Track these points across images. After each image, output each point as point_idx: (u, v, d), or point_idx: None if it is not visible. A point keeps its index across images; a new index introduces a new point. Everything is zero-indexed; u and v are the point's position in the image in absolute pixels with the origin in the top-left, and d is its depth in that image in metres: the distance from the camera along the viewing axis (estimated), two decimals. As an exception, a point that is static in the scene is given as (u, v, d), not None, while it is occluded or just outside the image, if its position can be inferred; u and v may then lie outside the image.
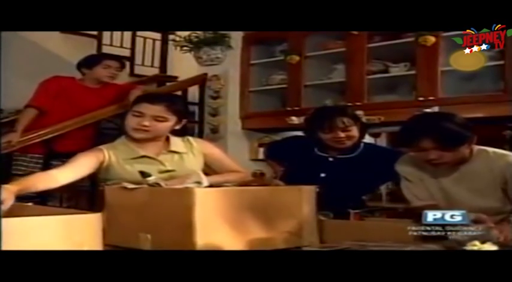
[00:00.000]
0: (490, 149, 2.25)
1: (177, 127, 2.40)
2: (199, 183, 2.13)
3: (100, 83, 3.88)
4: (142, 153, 2.33)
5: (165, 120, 2.31)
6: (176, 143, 2.41)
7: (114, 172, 2.31)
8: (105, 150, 2.33)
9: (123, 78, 5.45)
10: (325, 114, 2.79)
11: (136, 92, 3.78)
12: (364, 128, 2.82)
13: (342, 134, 2.70)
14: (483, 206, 2.18)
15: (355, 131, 2.73)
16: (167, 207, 1.85)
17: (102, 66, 3.83)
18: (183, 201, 1.80)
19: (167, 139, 2.40)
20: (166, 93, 3.65)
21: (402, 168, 2.36)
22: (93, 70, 3.83)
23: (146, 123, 2.28)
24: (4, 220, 1.38)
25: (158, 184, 2.04)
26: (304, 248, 1.91)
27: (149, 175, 2.11)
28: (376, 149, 3.21)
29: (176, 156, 2.38)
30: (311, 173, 2.67)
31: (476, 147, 2.24)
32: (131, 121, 2.30)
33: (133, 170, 2.25)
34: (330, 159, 2.79)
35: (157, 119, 2.29)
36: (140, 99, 2.35)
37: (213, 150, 2.51)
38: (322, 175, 2.71)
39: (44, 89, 3.75)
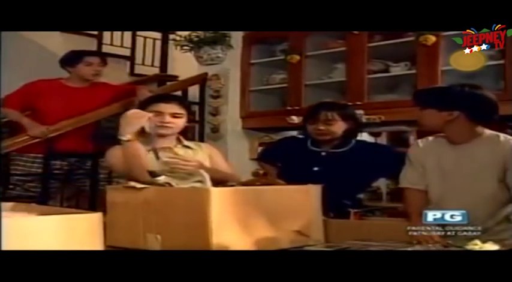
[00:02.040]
0: (503, 135, 2.29)
1: (186, 124, 2.63)
2: (201, 182, 2.15)
3: (87, 81, 3.85)
4: (161, 145, 2.51)
5: (181, 116, 2.56)
6: (187, 141, 2.65)
7: None
8: None
9: (123, 78, 5.47)
10: (315, 106, 2.96)
11: (144, 92, 3.78)
12: (357, 126, 2.97)
13: (322, 127, 2.83)
14: (477, 189, 2.22)
15: (337, 127, 2.85)
16: (179, 207, 1.85)
17: (84, 64, 3.80)
18: (198, 200, 1.80)
19: (178, 138, 2.62)
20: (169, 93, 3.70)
21: (411, 151, 2.46)
22: (77, 68, 3.79)
23: (167, 120, 2.51)
24: (4, 220, 1.38)
25: (169, 184, 2.05)
26: (311, 248, 1.92)
27: (158, 175, 2.13)
28: (368, 145, 3.28)
29: (189, 150, 2.60)
30: (305, 167, 2.79)
31: (488, 131, 2.31)
32: (153, 119, 2.48)
33: (153, 160, 2.40)
34: (323, 153, 2.89)
35: (175, 115, 2.54)
36: (155, 100, 2.59)
37: (215, 152, 2.72)
38: (315, 169, 2.81)
39: (18, 92, 3.76)
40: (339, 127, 2.86)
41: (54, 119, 3.69)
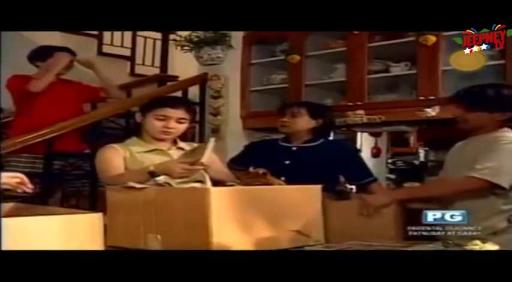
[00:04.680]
0: (508, 134, 2.33)
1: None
2: (201, 182, 2.15)
3: (57, 76, 3.82)
4: (155, 147, 2.50)
5: (186, 121, 2.52)
6: (181, 143, 2.60)
7: (128, 166, 2.43)
8: (117, 146, 2.47)
9: (123, 78, 5.47)
10: (290, 102, 3.38)
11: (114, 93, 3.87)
12: (326, 125, 3.16)
13: (287, 119, 3.09)
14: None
15: (302, 122, 3.08)
16: (179, 207, 1.85)
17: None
18: (198, 200, 1.80)
19: (173, 140, 2.58)
20: (176, 96, 3.70)
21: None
22: (48, 62, 3.78)
23: (172, 125, 2.47)
24: (5, 220, 1.38)
25: (168, 184, 2.05)
26: (311, 248, 1.93)
27: (158, 175, 2.12)
28: (336, 142, 3.53)
29: (183, 152, 2.53)
30: (276, 161, 2.90)
31: (502, 129, 2.36)
32: (156, 124, 2.48)
33: (146, 163, 2.36)
34: (293, 148, 3.10)
35: (179, 121, 2.49)
36: (162, 104, 2.51)
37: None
38: (287, 162, 2.99)
39: (15, 79, 3.75)
40: (304, 122, 3.07)
41: (41, 114, 3.68)
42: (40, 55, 3.81)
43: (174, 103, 2.52)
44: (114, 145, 2.48)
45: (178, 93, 4.43)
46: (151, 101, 2.63)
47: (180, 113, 2.49)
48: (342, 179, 3.38)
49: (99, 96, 4.06)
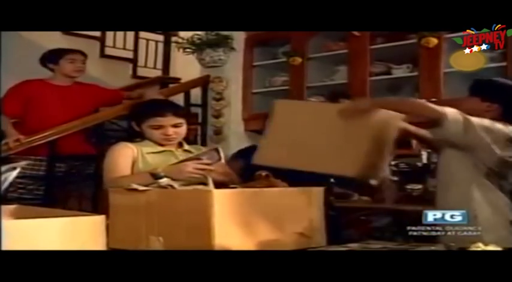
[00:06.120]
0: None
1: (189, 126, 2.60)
2: (204, 184, 2.15)
3: (71, 78, 3.84)
4: (163, 148, 2.49)
5: (181, 125, 2.49)
6: (187, 145, 2.59)
7: (137, 166, 2.42)
8: (130, 145, 2.46)
9: (126, 80, 5.47)
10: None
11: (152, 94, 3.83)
12: None
13: None
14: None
15: None
16: (181, 209, 1.85)
17: (67, 61, 3.79)
18: (201, 202, 1.80)
19: (179, 142, 2.56)
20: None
21: None
22: (60, 66, 3.78)
23: (170, 132, 2.45)
24: (8, 222, 1.38)
25: (171, 186, 2.05)
26: (312, 249, 1.93)
27: (161, 177, 2.12)
28: None
29: (190, 155, 2.51)
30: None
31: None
32: (155, 133, 2.46)
33: (155, 164, 2.37)
34: None
35: (176, 125, 2.47)
36: (150, 115, 2.47)
37: None
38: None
39: (12, 95, 3.71)
40: None
41: (52, 119, 3.68)
42: (53, 57, 3.81)
43: (161, 111, 2.47)
44: (128, 143, 2.48)
45: (180, 96, 4.44)
46: (138, 112, 2.58)
47: (171, 119, 2.46)
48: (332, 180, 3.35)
49: (121, 98, 4.09)
